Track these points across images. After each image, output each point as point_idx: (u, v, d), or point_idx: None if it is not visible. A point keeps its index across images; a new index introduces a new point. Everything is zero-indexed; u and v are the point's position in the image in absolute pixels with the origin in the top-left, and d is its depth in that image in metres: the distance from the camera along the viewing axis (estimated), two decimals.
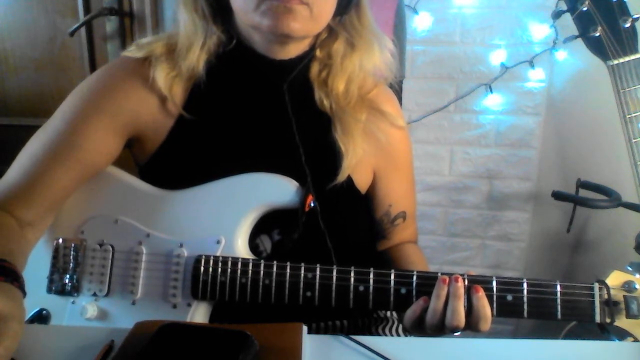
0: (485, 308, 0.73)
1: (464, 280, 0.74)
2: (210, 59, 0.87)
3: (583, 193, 1.49)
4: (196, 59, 0.85)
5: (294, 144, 0.87)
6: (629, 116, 1.11)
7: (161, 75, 0.86)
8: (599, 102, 1.46)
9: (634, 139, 1.12)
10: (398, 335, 0.96)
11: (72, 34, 1.70)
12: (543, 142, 1.80)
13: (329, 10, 0.83)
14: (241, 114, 0.90)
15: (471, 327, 0.74)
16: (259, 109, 0.90)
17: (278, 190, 0.83)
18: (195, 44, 0.85)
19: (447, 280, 0.74)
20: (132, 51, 0.89)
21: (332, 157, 0.88)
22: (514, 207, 1.87)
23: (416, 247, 1.04)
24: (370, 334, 0.95)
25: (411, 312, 0.75)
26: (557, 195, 1.47)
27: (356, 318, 0.97)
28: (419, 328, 0.76)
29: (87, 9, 1.73)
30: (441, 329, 0.74)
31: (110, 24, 1.75)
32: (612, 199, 1.38)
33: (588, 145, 1.74)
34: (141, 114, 0.87)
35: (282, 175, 0.83)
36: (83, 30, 1.74)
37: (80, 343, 0.70)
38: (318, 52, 0.90)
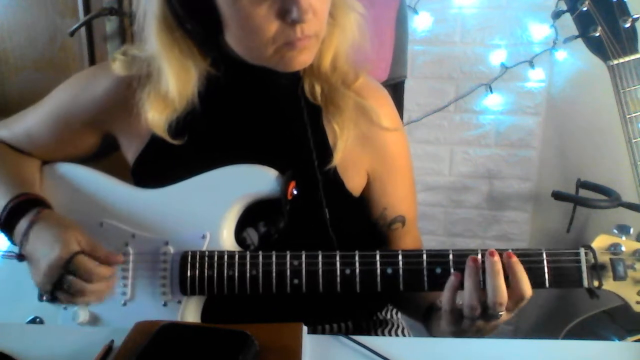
0: (523, 271, 0.72)
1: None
2: (201, 86, 0.83)
3: (583, 193, 1.48)
4: (183, 88, 0.82)
5: (296, 140, 0.86)
6: (629, 116, 1.11)
7: (148, 102, 0.83)
8: (599, 102, 1.45)
9: (634, 139, 1.12)
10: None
11: (72, 34, 1.69)
12: (543, 142, 1.80)
13: (326, 22, 0.80)
14: (239, 121, 0.89)
15: (516, 296, 0.72)
16: (261, 118, 0.89)
17: (257, 180, 0.82)
18: (179, 78, 0.81)
19: (479, 259, 0.72)
20: (121, 63, 0.86)
21: (325, 143, 0.87)
22: (514, 207, 1.87)
23: None
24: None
25: (447, 299, 0.73)
26: (557, 195, 1.47)
27: (358, 320, 0.96)
28: (457, 325, 0.75)
29: (87, 9, 1.73)
30: (483, 313, 0.72)
31: (110, 24, 1.74)
32: (612, 199, 1.37)
33: (588, 145, 1.73)
34: (119, 124, 0.90)
35: (260, 165, 0.82)
36: (83, 30, 1.73)
37: (80, 343, 0.70)
38: None
